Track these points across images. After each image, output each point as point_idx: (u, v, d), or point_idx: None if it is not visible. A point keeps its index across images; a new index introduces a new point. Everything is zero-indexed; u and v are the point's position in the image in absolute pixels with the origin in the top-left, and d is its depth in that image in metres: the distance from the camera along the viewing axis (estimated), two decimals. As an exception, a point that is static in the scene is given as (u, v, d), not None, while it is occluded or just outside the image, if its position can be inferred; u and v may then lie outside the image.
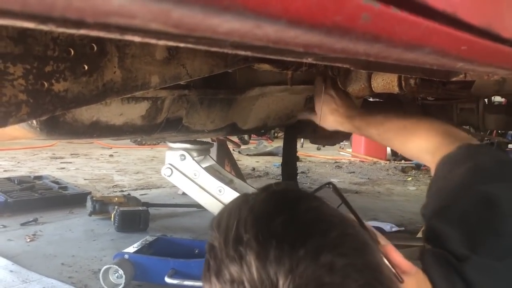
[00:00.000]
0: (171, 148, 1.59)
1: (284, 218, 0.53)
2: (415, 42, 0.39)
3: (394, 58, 0.42)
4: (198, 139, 1.68)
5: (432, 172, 0.95)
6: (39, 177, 3.77)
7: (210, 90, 1.30)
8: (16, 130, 0.94)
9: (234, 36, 0.26)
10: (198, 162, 1.56)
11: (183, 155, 1.53)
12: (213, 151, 3.40)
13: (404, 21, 0.36)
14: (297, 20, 0.26)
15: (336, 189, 0.73)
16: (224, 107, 1.42)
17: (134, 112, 1.12)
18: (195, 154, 1.56)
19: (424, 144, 1.03)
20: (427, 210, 0.87)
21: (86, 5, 0.18)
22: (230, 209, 0.58)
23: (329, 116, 1.38)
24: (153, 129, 1.23)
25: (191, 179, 1.54)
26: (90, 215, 2.85)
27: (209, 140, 1.59)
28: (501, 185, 0.78)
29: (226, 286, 0.52)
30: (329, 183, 0.74)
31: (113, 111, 1.05)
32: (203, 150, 1.63)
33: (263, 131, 1.84)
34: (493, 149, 1.40)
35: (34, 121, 0.91)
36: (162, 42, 0.34)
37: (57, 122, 0.96)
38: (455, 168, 0.86)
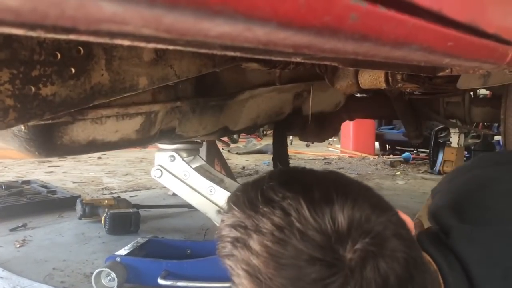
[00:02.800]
0: (160, 149, 1.59)
1: (310, 177, 0.56)
2: (402, 39, 0.40)
3: (382, 56, 0.42)
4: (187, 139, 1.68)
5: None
6: (27, 182, 3.73)
7: (201, 99, 1.31)
8: (13, 152, 0.94)
9: (225, 39, 0.26)
10: (188, 163, 1.55)
11: (172, 156, 1.52)
12: (203, 150, 3.40)
13: (391, 19, 0.36)
14: (287, 22, 0.27)
15: None
16: (215, 113, 1.43)
17: (129, 127, 1.12)
18: (184, 154, 1.56)
19: None
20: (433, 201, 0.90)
21: (79, 13, 0.18)
22: (242, 189, 0.58)
23: None
24: (148, 141, 1.24)
25: (181, 179, 1.54)
26: (80, 218, 2.82)
27: (198, 140, 1.59)
28: (498, 168, 0.82)
29: (270, 236, 0.51)
30: None
31: (109, 129, 1.05)
32: (193, 150, 1.62)
33: (252, 129, 1.85)
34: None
35: (32, 145, 0.91)
36: (151, 45, 0.34)
37: (55, 145, 0.96)
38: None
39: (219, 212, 0.62)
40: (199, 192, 1.51)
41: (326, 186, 0.55)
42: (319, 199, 0.52)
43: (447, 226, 0.73)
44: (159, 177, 1.54)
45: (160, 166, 1.52)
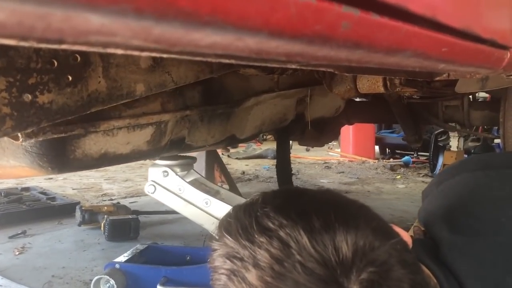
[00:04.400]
0: (154, 165, 1.58)
1: (305, 201, 0.53)
2: (395, 46, 0.40)
3: (375, 63, 0.42)
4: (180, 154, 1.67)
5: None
6: (26, 189, 3.73)
7: (209, 107, 1.31)
8: (26, 170, 0.93)
9: (216, 49, 0.26)
10: (182, 177, 1.55)
11: (166, 171, 1.51)
12: (202, 156, 3.40)
13: (384, 26, 0.36)
14: (278, 31, 0.27)
15: None
16: (223, 121, 1.43)
17: (140, 138, 1.12)
18: (178, 169, 1.55)
19: None
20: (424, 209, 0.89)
21: (65, 25, 0.18)
22: (233, 216, 0.55)
23: None
24: (158, 152, 1.24)
25: (176, 194, 1.53)
26: (79, 225, 2.82)
27: (192, 154, 1.59)
28: (488, 172, 0.82)
29: (269, 271, 0.48)
30: None
31: (120, 141, 1.05)
32: (186, 165, 1.61)
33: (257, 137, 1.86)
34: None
35: (45, 161, 0.91)
36: (145, 54, 0.34)
37: (68, 160, 0.96)
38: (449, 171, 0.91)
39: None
40: (195, 205, 1.50)
41: (325, 211, 0.51)
42: (319, 227, 0.49)
43: (438, 238, 0.72)
44: (153, 193, 1.53)
45: (154, 181, 1.51)
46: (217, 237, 0.55)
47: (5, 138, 0.82)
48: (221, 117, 1.41)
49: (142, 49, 0.32)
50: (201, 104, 1.28)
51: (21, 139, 0.80)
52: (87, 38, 0.20)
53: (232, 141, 1.59)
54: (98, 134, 0.98)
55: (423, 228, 0.87)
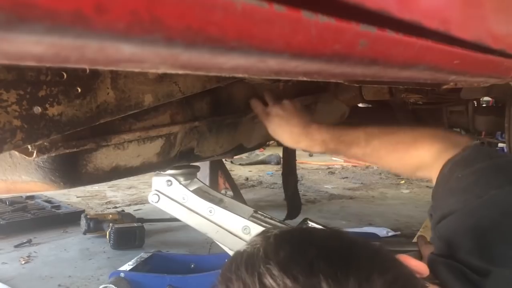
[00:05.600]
0: (157, 174, 1.59)
1: (313, 252, 0.48)
2: (410, 61, 0.40)
3: (390, 77, 0.42)
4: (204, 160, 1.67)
5: (434, 181, 0.90)
6: (31, 197, 3.73)
7: (217, 117, 1.32)
8: (38, 185, 0.94)
9: (238, 71, 0.26)
10: (186, 186, 1.55)
11: (169, 180, 1.52)
12: (206, 162, 3.40)
13: (399, 42, 0.37)
14: (299, 52, 0.27)
15: (314, 222, 0.71)
16: (230, 131, 1.44)
17: (150, 151, 1.13)
18: (181, 179, 1.55)
19: (425, 155, 0.96)
20: (436, 212, 0.83)
21: (98, 55, 0.18)
22: (234, 270, 0.51)
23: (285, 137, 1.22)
24: (168, 163, 1.25)
25: (180, 203, 1.53)
26: (84, 233, 2.82)
27: (196, 164, 1.59)
28: None
29: None
30: (305, 219, 0.73)
31: (131, 154, 1.06)
32: (190, 174, 1.62)
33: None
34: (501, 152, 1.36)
35: (58, 176, 0.91)
36: (161, 71, 0.35)
37: (80, 174, 0.96)
38: (467, 167, 0.81)
39: None
40: (198, 214, 1.50)
41: (334, 268, 0.47)
42: None
43: (483, 269, 0.67)
44: (157, 202, 1.53)
45: (157, 191, 1.51)
46: None
47: (17, 154, 0.83)
48: (229, 127, 1.42)
49: (162, 70, 0.32)
50: (209, 115, 1.29)
51: (34, 155, 0.80)
52: (117, 66, 0.21)
53: (239, 150, 1.59)
54: (109, 148, 0.98)
55: (430, 241, 0.84)
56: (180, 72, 0.24)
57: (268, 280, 0.46)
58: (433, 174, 0.91)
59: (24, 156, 0.82)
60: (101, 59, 0.19)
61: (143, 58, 0.20)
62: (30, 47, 0.16)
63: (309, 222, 0.78)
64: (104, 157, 0.98)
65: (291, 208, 2.73)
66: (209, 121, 1.27)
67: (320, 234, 0.55)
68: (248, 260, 0.50)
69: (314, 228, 0.59)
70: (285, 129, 1.20)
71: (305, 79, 0.42)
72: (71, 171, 0.92)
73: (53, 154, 0.85)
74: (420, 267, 0.61)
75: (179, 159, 1.25)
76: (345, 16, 0.29)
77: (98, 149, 0.96)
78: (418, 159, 0.99)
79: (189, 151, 1.28)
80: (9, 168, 0.90)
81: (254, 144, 1.63)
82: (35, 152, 0.81)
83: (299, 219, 2.54)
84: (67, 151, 0.86)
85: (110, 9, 0.16)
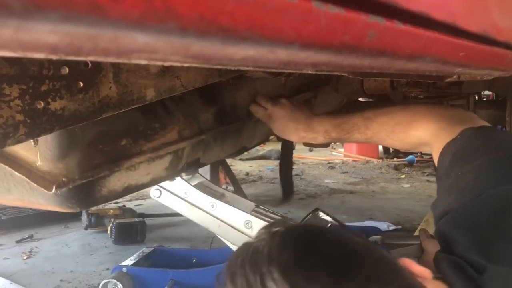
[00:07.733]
0: None
1: (314, 259, 0.49)
2: (417, 53, 0.40)
3: (396, 69, 0.42)
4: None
5: (435, 160, 0.91)
6: (32, 193, 3.73)
7: (222, 128, 1.33)
8: (54, 208, 0.97)
9: (248, 62, 0.26)
10: (187, 181, 1.56)
11: (171, 176, 1.54)
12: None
13: (407, 34, 0.36)
14: (309, 43, 0.27)
15: (324, 212, 0.71)
16: (234, 137, 1.45)
17: (159, 168, 1.16)
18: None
19: (423, 135, 0.98)
20: (437, 209, 0.83)
21: (111, 45, 0.18)
22: (239, 265, 0.52)
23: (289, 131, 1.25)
24: (175, 175, 1.31)
25: (182, 198, 1.54)
26: (86, 229, 2.82)
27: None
28: None
29: None
30: (316, 209, 0.73)
31: (141, 173, 1.10)
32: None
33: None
34: (502, 132, 1.34)
35: (74, 202, 0.95)
36: (168, 63, 0.35)
37: (95, 198, 1.00)
38: (466, 164, 0.82)
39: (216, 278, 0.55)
40: (200, 208, 1.51)
41: (333, 277, 0.47)
42: None
43: (481, 265, 0.67)
44: (158, 197, 1.54)
45: (159, 186, 1.52)
46: (222, 284, 0.53)
47: (35, 185, 0.87)
48: (233, 133, 1.44)
49: (167, 60, 0.32)
50: (215, 126, 1.31)
51: (53, 190, 0.84)
52: (129, 56, 0.20)
53: (242, 151, 1.61)
54: (121, 172, 1.02)
55: (432, 233, 0.84)
56: (189, 64, 0.24)
57: (269, 283, 0.48)
58: (433, 152, 0.93)
59: (44, 190, 0.85)
60: (113, 50, 0.19)
61: (156, 48, 0.20)
62: (45, 36, 0.16)
63: (320, 212, 0.78)
64: (117, 180, 1.02)
65: (286, 190, 3.29)
66: (214, 132, 1.28)
67: (325, 238, 0.55)
68: (253, 257, 0.52)
69: (321, 229, 0.59)
70: (290, 127, 1.24)
71: (311, 71, 0.41)
72: (86, 197, 0.96)
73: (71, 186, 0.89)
74: (422, 272, 0.61)
75: (186, 169, 1.28)
76: (354, 6, 0.29)
77: (111, 173, 1.00)
78: (417, 138, 1.02)
79: (195, 161, 1.30)
80: (26, 192, 0.93)
81: (256, 143, 1.64)
82: (54, 187, 0.84)
83: (309, 208, 2.53)
84: (83, 181, 0.90)
85: (124, -2, 0.16)
